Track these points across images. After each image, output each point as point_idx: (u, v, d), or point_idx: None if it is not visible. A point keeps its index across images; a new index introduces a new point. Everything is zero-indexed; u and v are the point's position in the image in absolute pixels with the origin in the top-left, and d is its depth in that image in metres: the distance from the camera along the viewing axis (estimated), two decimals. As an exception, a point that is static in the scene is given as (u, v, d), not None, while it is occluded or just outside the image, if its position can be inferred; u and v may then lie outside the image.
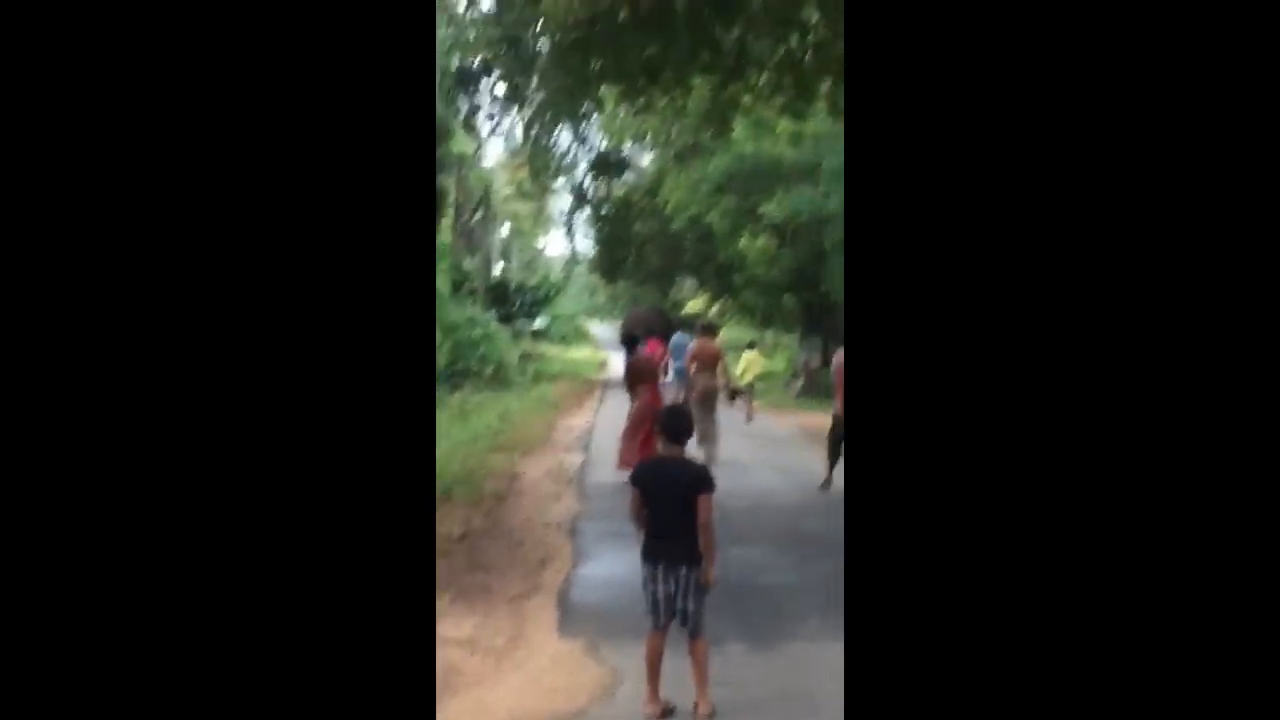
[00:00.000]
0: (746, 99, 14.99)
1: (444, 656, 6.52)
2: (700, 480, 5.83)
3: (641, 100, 15.29)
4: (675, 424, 6.04)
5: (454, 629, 7.15)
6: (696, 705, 5.85)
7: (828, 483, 13.87)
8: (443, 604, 7.66)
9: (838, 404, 13.92)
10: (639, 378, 14.50)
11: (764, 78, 13.59)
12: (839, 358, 14.63)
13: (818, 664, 6.80)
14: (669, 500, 5.79)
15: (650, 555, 5.87)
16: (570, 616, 7.74)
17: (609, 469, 14.05)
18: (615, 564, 9.27)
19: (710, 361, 15.04)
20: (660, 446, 6.14)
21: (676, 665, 6.03)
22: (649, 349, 15.66)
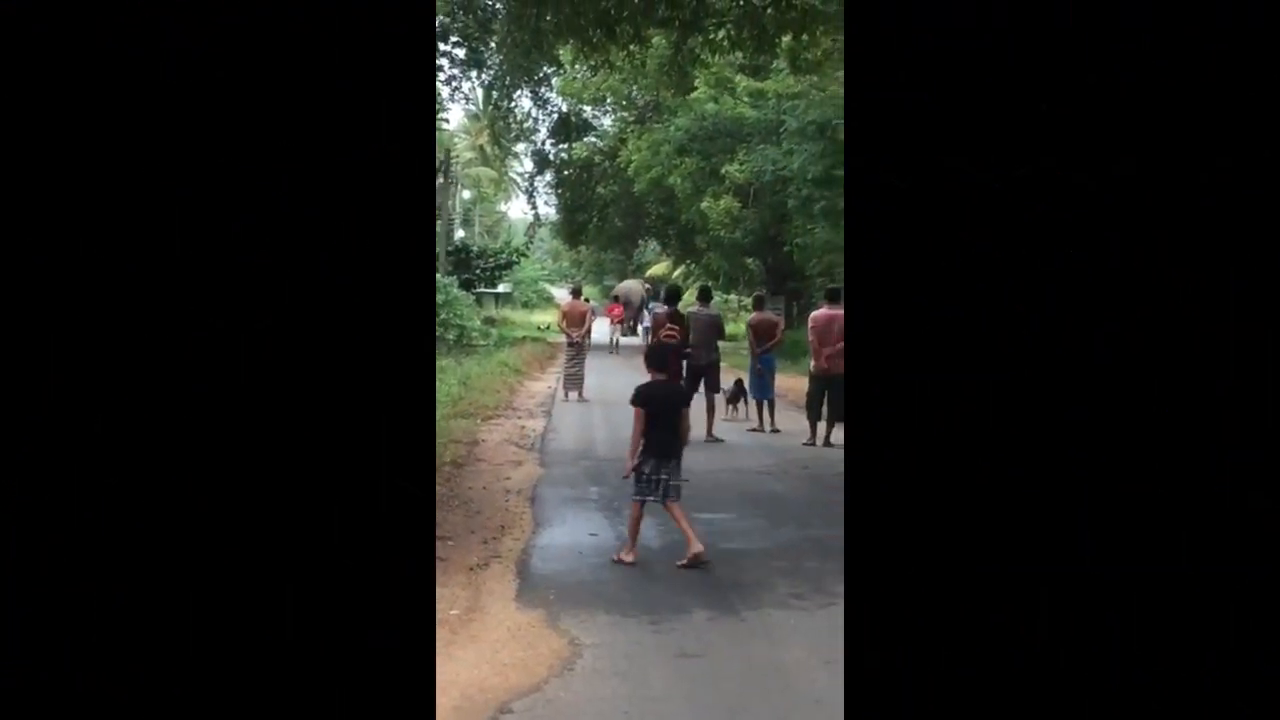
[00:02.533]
0: (705, 55, 14.77)
1: (397, 630, 6.29)
2: (686, 397, 8.82)
3: (599, 58, 15.07)
4: (660, 358, 8.83)
5: (407, 601, 6.89)
6: (689, 545, 8.10)
7: (811, 440, 14.13)
8: (397, 575, 7.40)
9: (814, 362, 14.14)
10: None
11: (722, 32, 13.33)
12: (814, 316, 14.70)
13: (783, 631, 6.60)
14: (668, 412, 8.36)
15: (654, 452, 8.26)
16: (529, 586, 7.47)
17: (570, 434, 13.90)
18: (576, 531, 9.05)
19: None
20: (652, 376, 8.64)
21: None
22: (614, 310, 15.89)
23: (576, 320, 20.26)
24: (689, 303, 17.98)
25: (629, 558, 8.16)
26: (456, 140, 52.73)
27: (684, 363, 14.45)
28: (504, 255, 46.81)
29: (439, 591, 7.12)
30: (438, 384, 18.54)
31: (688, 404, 8.62)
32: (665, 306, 15.64)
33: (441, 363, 22.27)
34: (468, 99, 49.00)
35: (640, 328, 18.46)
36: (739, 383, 16.85)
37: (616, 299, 31.39)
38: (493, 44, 15.27)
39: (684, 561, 8.01)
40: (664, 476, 8.26)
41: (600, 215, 41.93)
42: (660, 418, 8.32)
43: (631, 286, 29.78)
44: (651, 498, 8.28)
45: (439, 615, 6.62)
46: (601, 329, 28.72)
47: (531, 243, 52.06)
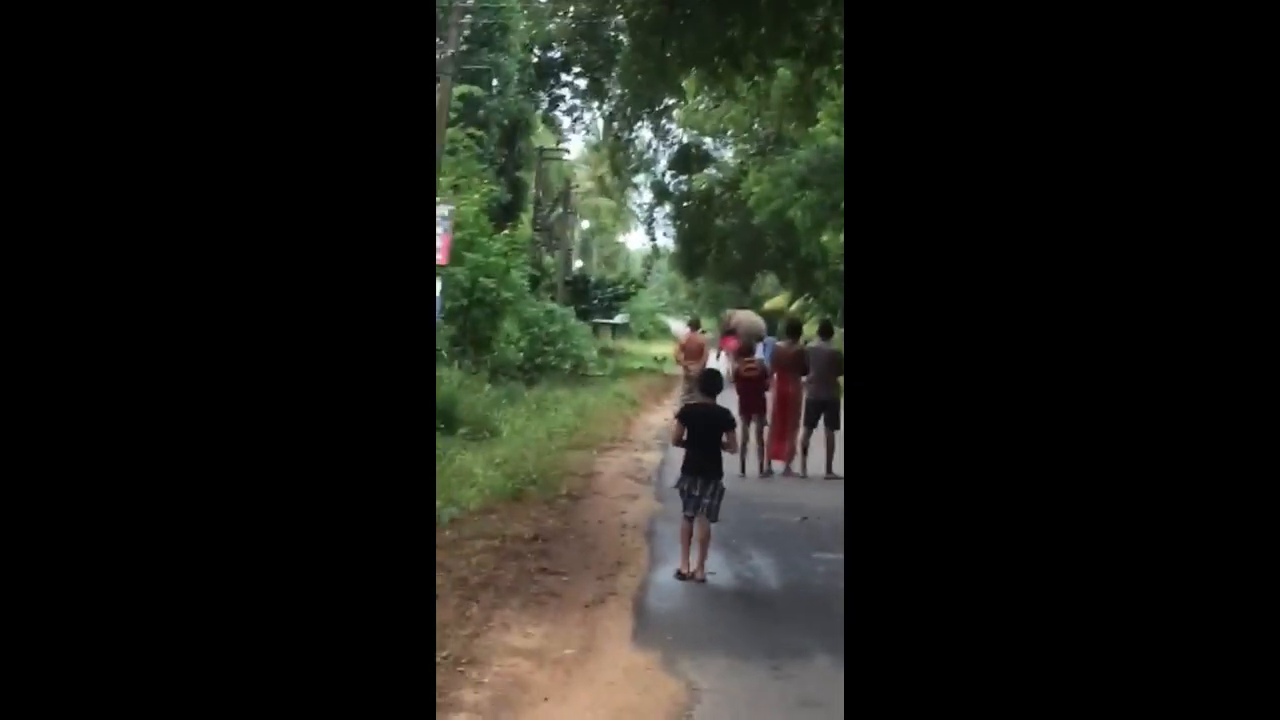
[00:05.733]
0: (831, 86, 14.56)
1: (510, 668, 6.18)
2: (728, 419, 9.02)
3: (723, 88, 14.96)
4: (711, 383, 9.34)
5: (521, 638, 6.74)
6: (698, 569, 8.55)
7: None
8: (511, 611, 7.27)
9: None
10: (781, 367, 14.92)
11: (850, 63, 13.15)
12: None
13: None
14: (708, 433, 8.78)
15: (690, 470, 8.74)
16: (645, 626, 7.29)
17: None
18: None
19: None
20: (700, 398, 9.39)
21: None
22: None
23: (695, 353, 20.15)
24: (809, 336, 17.71)
25: (684, 569, 8.61)
26: (576, 170, 52.99)
27: (765, 393, 14.46)
28: (621, 286, 46.90)
29: (554, 630, 6.99)
30: (554, 413, 18.50)
31: (731, 428, 9.00)
32: (788, 340, 15.44)
33: (557, 393, 22.27)
34: (588, 129, 49.41)
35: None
36: None
37: (732, 331, 30.64)
38: (615, 74, 15.27)
39: (687, 571, 8.60)
40: (699, 494, 8.64)
41: (718, 247, 41.92)
42: (700, 438, 8.81)
43: (749, 317, 29.36)
44: (693, 514, 8.67)
45: (553, 654, 6.48)
46: (717, 362, 28.51)
47: (649, 274, 52.12)
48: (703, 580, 8.44)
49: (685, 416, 9.15)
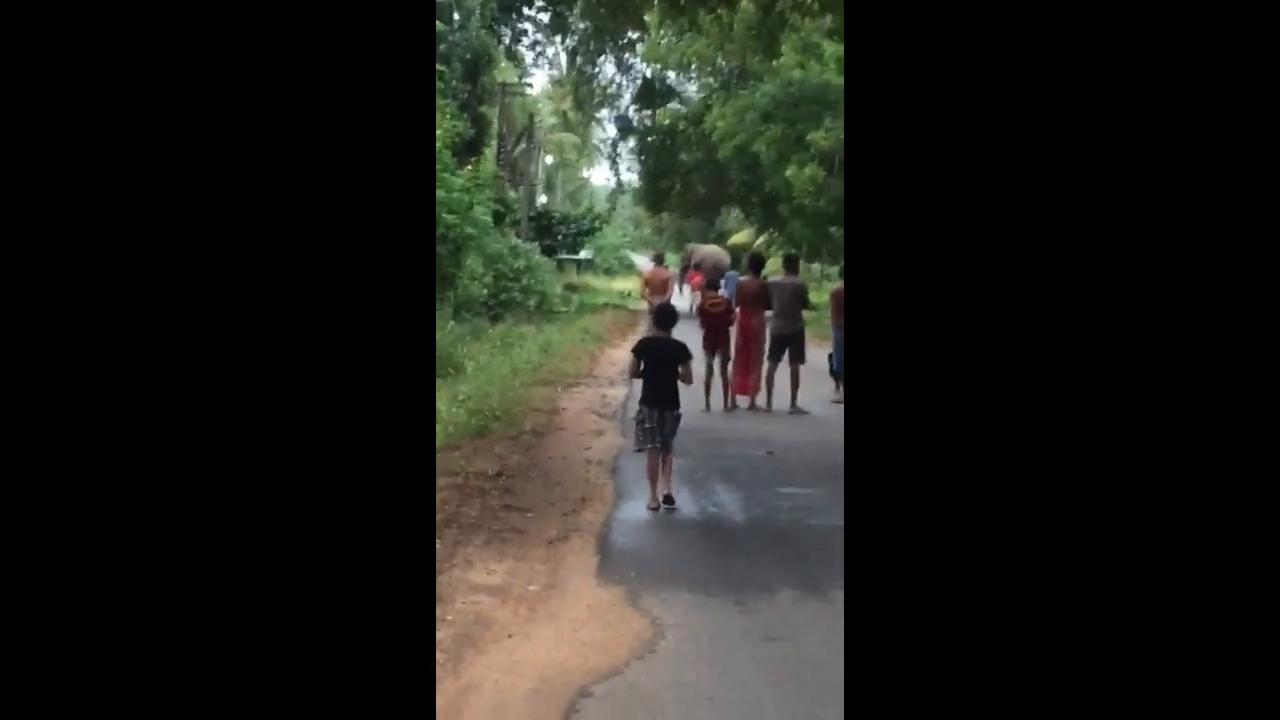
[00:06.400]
0: (794, 18, 14.43)
1: (473, 605, 6.18)
2: (683, 352, 8.96)
3: (686, 21, 14.82)
4: (665, 317, 9.38)
5: (485, 575, 6.74)
6: (655, 498, 8.81)
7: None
8: (475, 547, 7.27)
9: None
10: (745, 301, 14.79)
11: (814, -6, 13.01)
12: (835, 290, 14.68)
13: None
14: (662, 366, 8.91)
15: (648, 401, 8.94)
16: (609, 562, 7.29)
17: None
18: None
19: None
20: (656, 331, 9.42)
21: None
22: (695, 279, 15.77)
23: (659, 287, 20.08)
24: (774, 270, 17.67)
25: (652, 504, 8.79)
26: (540, 105, 52.62)
27: (730, 328, 14.40)
28: (586, 221, 46.53)
29: (518, 566, 6.99)
30: (518, 350, 18.43)
31: (685, 360, 8.94)
32: (750, 275, 15.35)
33: (522, 329, 22.20)
34: (551, 64, 49.09)
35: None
36: (831, 358, 16.26)
37: (698, 266, 30.44)
38: (577, 8, 15.07)
39: (655, 505, 8.80)
40: (655, 425, 8.84)
41: (683, 182, 41.79)
42: (655, 370, 8.95)
43: (713, 252, 29.23)
44: (651, 445, 8.86)
45: (517, 591, 6.47)
46: (681, 296, 28.44)
47: (613, 209, 51.82)
48: (663, 506, 8.70)
49: (640, 350, 9.32)
